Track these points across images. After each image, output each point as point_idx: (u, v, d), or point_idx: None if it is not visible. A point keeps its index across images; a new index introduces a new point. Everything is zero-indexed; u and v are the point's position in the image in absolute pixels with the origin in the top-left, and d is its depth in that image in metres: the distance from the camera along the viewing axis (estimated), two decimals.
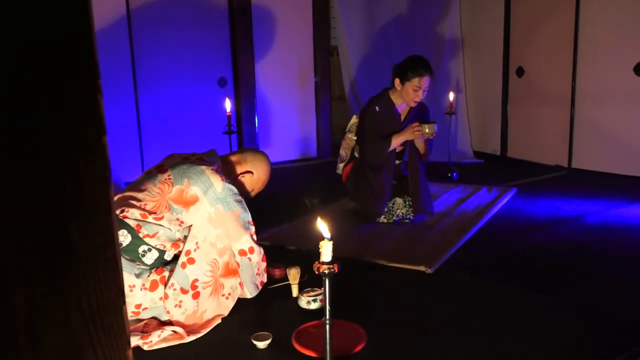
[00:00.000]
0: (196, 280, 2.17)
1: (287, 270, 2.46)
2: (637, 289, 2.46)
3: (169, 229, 2.21)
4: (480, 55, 5.49)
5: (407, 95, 3.30)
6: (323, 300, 2.08)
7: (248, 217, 2.32)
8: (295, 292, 2.42)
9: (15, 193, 0.64)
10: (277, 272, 2.58)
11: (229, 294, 2.26)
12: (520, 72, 5.13)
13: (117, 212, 2.17)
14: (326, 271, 1.61)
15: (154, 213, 2.20)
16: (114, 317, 0.73)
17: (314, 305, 2.29)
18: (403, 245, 3.05)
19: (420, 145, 3.43)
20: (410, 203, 3.44)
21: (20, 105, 0.63)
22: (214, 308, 2.21)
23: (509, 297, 2.39)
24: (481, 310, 2.29)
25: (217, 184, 2.23)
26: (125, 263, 2.13)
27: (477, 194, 4.03)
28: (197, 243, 2.20)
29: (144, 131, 4.59)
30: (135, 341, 2.00)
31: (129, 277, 2.12)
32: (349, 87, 5.67)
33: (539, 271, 2.69)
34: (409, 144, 3.46)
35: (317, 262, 1.63)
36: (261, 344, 2.01)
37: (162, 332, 2.05)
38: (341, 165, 3.63)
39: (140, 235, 2.17)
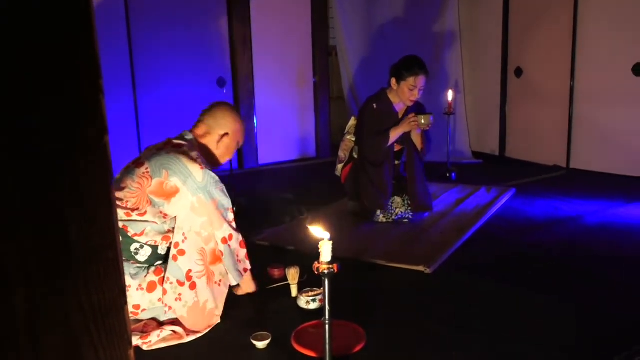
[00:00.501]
0: (190, 270, 2.16)
1: (286, 270, 2.46)
2: (636, 289, 2.46)
3: (155, 222, 2.20)
4: (478, 56, 5.49)
5: (403, 94, 3.32)
6: (322, 300, 2.09)
7: (228, 203, 2.28)
8: (294, 292, 2.42)
9: (15, 193, 0.64)
10: (277, 272, 2.58)
11: (220, 281, 2.25)
12: (518, 72, 5.13)
13: None
14: (326, 271, 1.61)
15: (137, 209, 2.18)
16: (116, 317, 0.73)
17: (313, 305, 2.29)
18: (402, 245, 3.06)
19: (417, 139, 3.44)
20: (409, 202, 3.45)
21: (20, 105, 0.63)
22: (213, 297, 2.21)
23: (509, 297, 2.39)
24: (481, 310, 2.29)
25: (197, 172, 2.18)
26: None
27: (476, 194, 4.04)
28: (184, 234, 2.18)
29: (143, 131, 4.59)
30: (134, 341, 2.00)
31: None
32: (347, 87, 5.67)
33: (538, 271, 2.69)
34: (406, 145, 3.47)
35: (316, 262, 1.63)
36: (260, 344, 2.00)
37: (161, 332, 2.05)
38: (340, 167, 3.64)
39: (129, 234, 2.17)
